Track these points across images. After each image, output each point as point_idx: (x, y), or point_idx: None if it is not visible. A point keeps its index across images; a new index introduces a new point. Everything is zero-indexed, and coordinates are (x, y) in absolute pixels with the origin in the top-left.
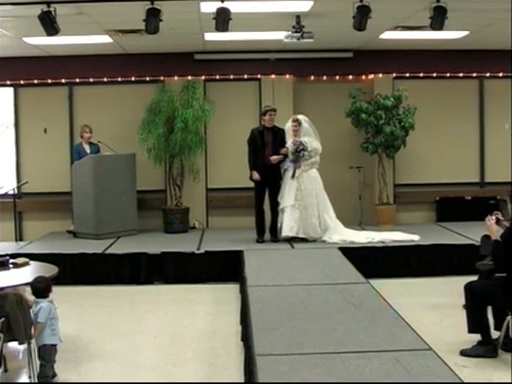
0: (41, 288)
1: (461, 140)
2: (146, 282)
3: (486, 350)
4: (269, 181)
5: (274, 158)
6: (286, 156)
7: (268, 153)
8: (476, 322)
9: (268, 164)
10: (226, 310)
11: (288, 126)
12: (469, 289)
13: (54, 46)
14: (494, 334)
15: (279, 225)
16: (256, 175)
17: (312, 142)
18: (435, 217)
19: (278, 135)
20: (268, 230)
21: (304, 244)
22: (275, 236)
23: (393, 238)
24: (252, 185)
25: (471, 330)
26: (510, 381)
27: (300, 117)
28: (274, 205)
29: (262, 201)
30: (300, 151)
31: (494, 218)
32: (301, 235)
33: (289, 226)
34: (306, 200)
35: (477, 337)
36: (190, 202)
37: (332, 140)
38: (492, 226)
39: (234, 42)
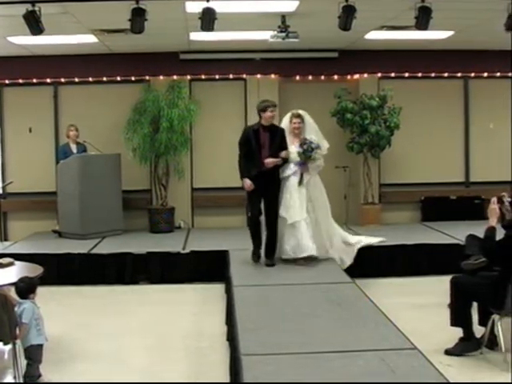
0: (22, 288)
1: (446, 140)
2: (131, 282)
3: (468, 345)
4: (266, 190)
5: (270, 161)
6: (285, 161)
7: (265, 156)
8: (459, 316)
9: (265, 169)
10: (211, 310)
11: (286, 125)
12: (454, 283)
13: (39, 45)
14: (480, 330)
15: (286, 245)
16: (248, 183)
17: (321, 141)
18: (420, 216)
19: (277, 135)
20: (263, 252)
21: None
22: (272, 259)
23: (362, 241)
24: (238, 184)
25: (453, 324)
26: (496, 380)
27: (302, 112)
28: (273, 220)
29: (257, 211)
30: (312, 150)
31: (496, 200)
32: (314, 254)
33: (301, 244)
34: (316, 212)
35: (460, 334)
36: (176, 202)
37: None
38: (494, 211)
39: (219, 42)
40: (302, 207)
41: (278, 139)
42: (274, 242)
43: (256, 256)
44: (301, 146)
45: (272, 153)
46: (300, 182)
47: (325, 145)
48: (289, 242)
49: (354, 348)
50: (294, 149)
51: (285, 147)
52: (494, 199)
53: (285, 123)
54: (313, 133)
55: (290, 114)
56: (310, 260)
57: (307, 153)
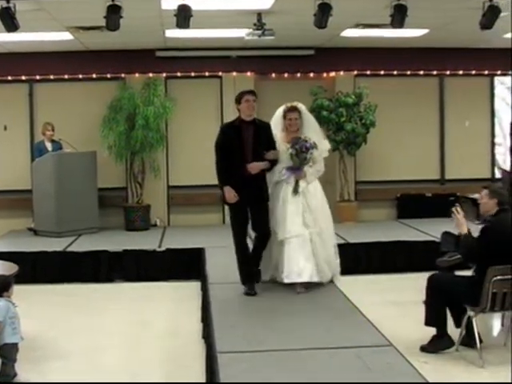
0: None
1: (421, 137)
2: (106, 279)
3: (441, 342)
4: (251, 199)
5: (254, 166)
6: (273, 163)
7: (249, 157)
8: (434, 315)
9: (249, 175)
10: (187, 307)
11: (278, 121)
12: (431, 281)
13: (14, 42)
14: (456, 332)
15: (280, 266)
16: (230, 194)
17: (320, 141)
18: (396, 213)
19: (262, 132)
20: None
21: None
22: (258, 275)
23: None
24: (214, 181)
25: (428, 323)
26: (472, 377)
27: (299, 105)
28: (262, 233)
29: (243, 230)
30: (307, 150)
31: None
32: (315, 279)
33: (298, 266)
34: (319, 223)
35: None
36: (151, 200)
37: None
38: (461, 219)
39: (195, 40)
40: (298, 221)
41: (264, 137)
42: (261, 253)
43: (250, 290)
44: (292, 146)
45: (257, 154)
46: (295, 191)
47: (325, 145)
48: (281, 263)
49: (330, 345)
50: (288, 147)
51: (273, 146)
52: (457, 209)
53: (276, 119)
54: (311, 131)
55: (283, 108)
56: (311, 285)
57: (301, 154)
